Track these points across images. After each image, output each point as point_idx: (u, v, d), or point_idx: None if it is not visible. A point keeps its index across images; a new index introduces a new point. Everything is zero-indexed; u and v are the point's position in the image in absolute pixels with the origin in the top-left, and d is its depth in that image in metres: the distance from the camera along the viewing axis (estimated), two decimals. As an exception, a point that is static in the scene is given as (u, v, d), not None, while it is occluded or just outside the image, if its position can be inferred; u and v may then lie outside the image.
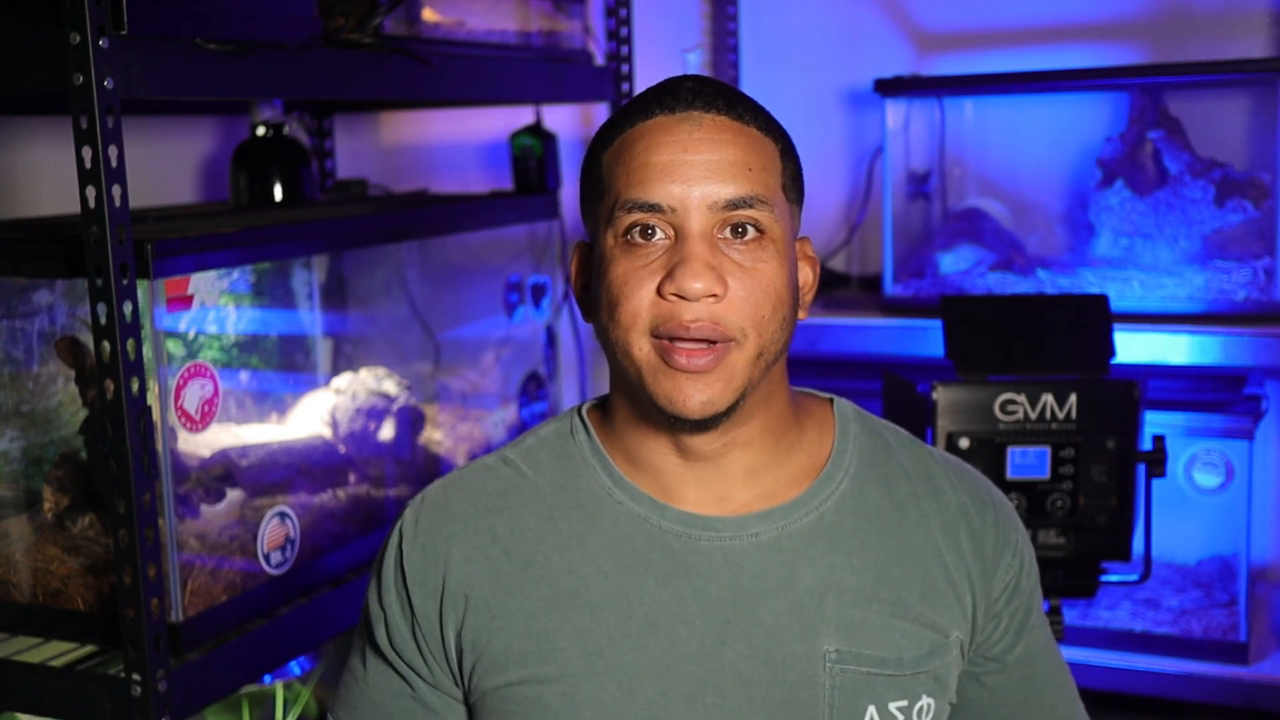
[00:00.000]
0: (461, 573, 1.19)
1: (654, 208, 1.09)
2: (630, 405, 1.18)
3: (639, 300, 1.09)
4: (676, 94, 1.13)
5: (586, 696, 1.14)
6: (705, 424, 1.11)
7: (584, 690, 1.14)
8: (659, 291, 1.09)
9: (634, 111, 1.15)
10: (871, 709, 1.16)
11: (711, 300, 1.08)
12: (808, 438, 1.22)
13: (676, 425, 1.12)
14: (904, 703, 1.17)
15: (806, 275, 1.21)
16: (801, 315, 1.18)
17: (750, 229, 1.10)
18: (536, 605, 1.17)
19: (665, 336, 1.09)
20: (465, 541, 1.20)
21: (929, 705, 1.18)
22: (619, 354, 1.13)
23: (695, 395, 1.09)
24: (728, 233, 1.10)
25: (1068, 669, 1.32)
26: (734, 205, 1.09)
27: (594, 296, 1.16)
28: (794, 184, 1.18)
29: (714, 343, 1.08)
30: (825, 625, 1.16)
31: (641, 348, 1.10)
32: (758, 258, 1.10)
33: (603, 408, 1.25)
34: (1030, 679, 1.27)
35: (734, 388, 1.10)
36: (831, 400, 1.27)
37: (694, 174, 1.09)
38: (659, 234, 1.10)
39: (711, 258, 1.08)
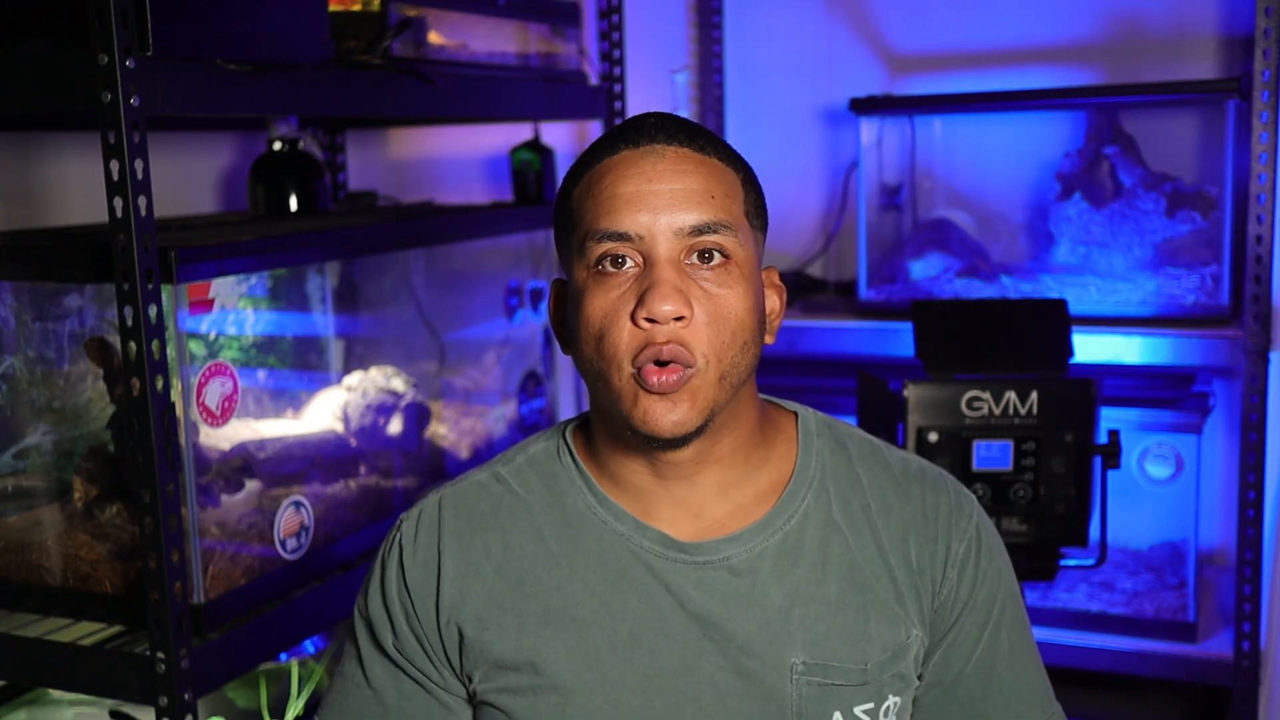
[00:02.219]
0: (455, 588, 1.18)
1: (623, 236, 1.08)
2: (608, 429, 1.17)
3: (618, 333, 1.08)
4: (640, 130, 1.12)
5: (577, 707, 1.14)
6: (677, 443, 1.10)
7: (575, 701, 1.14)
8: (633, 319, 1.07)
9: (600, 149, 1.14)
10: (837, 715, 1.14)
11: (679, 323, 1.07)
12: (776, 453, 1.21)
13: (651, 444, 1.11)
14: (870, 705, 1.15)
15: (774, 302, 1.19)
16: (769, 340, 1.16)
17: (716, 254, 1.09)
18: (528, 621, 1.16)
19: (643, 363, 1.07)
20: (459, 558, 1.19)
21: (895, 704, 1.17)
22: (599, 382, 1.11)
23: (666, 416, 1.07)
24: (694, 258, 1.09)
25: (1033, 677, 1.24)
26: (699, 231, 1.08)
27: (571, 329, 1.14)
28: (757, 212, 1.16)
29: (682, 365, 1.07)
30: (792, 639, 1.14)
31: (621, 377, 1.09)
32: (723, 282, 1.09)
33: (585, 428, 1.24)
34: (986, 682, 1.21)
35: (699, 409, 1.09)
36: (796, 414, 1.24)
37: (659, 203, 1.08)
38: (629, 262, 1.09)
39: (679, 282, 1.07)
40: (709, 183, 1.10)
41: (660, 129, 1.12)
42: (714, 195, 1.10)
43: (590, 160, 1.14)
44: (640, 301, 1.07)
